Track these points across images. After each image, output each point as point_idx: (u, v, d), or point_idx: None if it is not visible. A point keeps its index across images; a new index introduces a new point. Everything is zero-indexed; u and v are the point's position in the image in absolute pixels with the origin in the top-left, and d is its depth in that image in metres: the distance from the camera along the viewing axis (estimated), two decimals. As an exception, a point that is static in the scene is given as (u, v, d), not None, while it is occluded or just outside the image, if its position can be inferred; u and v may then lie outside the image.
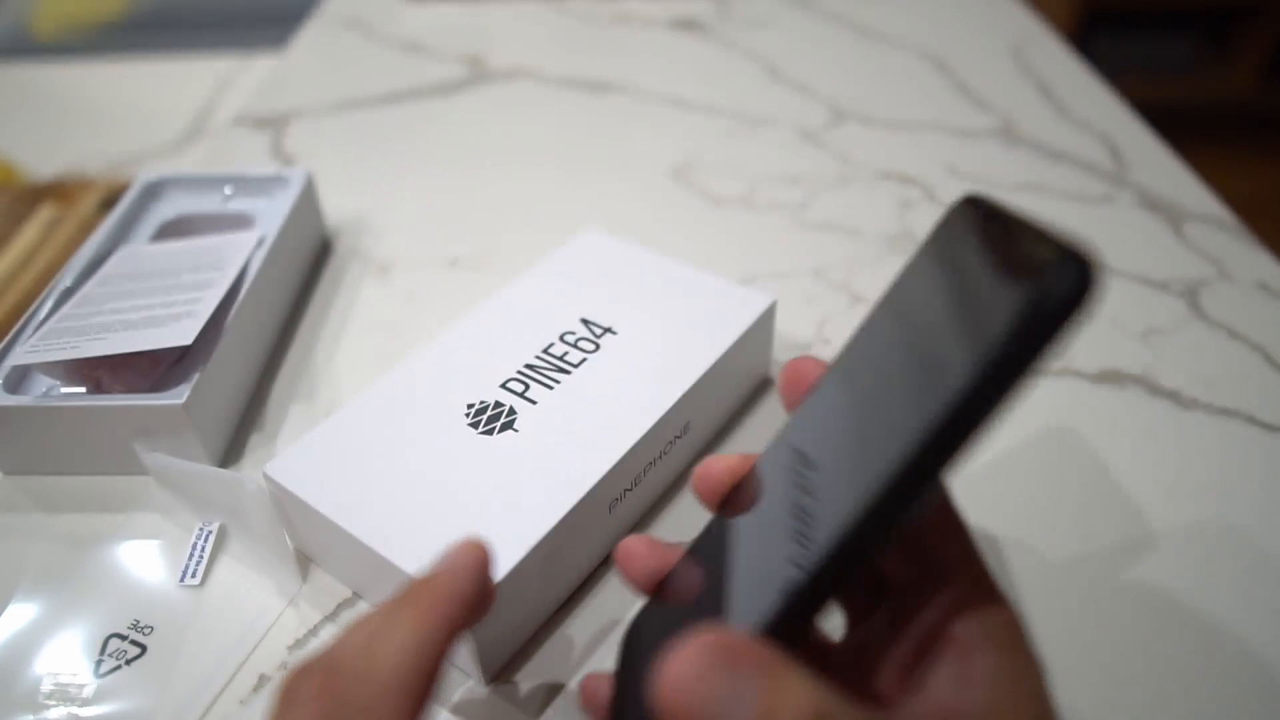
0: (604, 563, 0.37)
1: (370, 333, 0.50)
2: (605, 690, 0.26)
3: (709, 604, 0.23)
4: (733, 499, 0.26)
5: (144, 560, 0.37)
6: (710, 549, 0.26)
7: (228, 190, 0.53)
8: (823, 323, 0.49)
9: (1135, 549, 0.36)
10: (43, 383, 0.41)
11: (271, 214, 0.50)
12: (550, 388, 0.38)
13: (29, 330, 0.42)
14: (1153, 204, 0.58)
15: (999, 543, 0.37)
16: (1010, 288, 0.17)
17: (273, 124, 0.71)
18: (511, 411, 0.36)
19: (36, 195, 0.61)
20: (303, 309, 0.51)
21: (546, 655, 0.33)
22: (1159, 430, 0.42)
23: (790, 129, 0.68)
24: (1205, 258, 0.53)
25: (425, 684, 0.22)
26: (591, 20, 0.87)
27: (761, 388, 0.45)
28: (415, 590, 0.23)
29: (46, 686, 0.32)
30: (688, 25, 0.85)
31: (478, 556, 0.24)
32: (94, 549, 0.37)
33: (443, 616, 0.23)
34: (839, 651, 0.25)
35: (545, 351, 0.39)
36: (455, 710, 0.32)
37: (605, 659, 0.33)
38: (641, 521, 0.38)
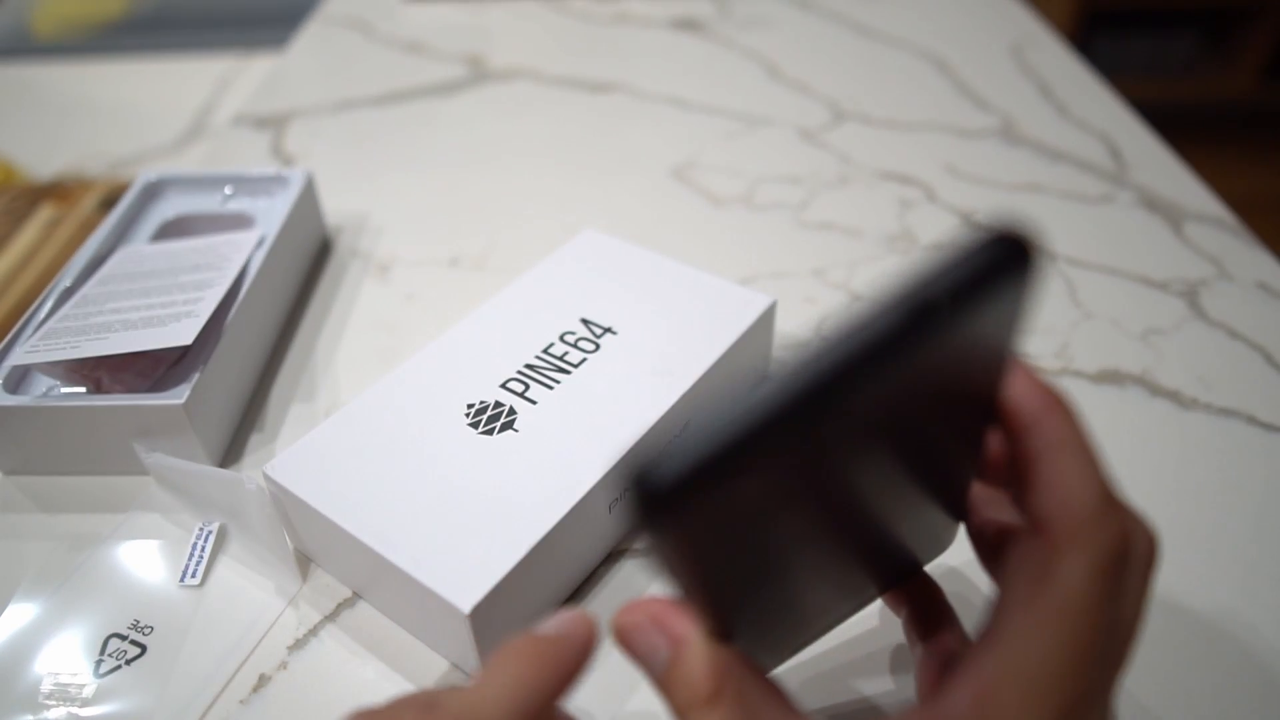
0: (604, 563, 0.37)
1: (370, 333, 0.50)
2: None
3: None
4: None
5: (144, 560, 0.37)
6: None
7: (228, 190, 0.53)
8: (823, 323, 0.49)
9: (1135, 549, 0.36)
10: (43, 383, 0.41)
11: (271, 214, 0.50)
12: (550, 388, 0.37)
13: (29, 330, 0.42)
14: (1153, 204, 0.58)
15: (999, 543, 0.37)
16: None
17: (272, 124, 0.71)
18: (511, 411, 0.36)
19: (36, 195, 0.61)
20: (303, 309, 0.51)
21: (546, 655, 0.33)
22: (1159, 430, 0.42)
23: (790, 129, 0.68)
24: (1205, 258, 0.53)
25: None
26: (591, 20, 0.87)
27: (761, 388, 0.45)
28: (525, 643, 0.23)
29: (46, 686, 0.32)
30: (687, 25, 0.85)
31: (590, 634, 0.24)
32: (94, 549, 0.37)
33: (550, 675, 0.22)
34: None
35: (545, 351, 0.39)
36: (455, 710, 0.31)
37: (606, 658, 0.33)
38: (641, 521, 0.38)
